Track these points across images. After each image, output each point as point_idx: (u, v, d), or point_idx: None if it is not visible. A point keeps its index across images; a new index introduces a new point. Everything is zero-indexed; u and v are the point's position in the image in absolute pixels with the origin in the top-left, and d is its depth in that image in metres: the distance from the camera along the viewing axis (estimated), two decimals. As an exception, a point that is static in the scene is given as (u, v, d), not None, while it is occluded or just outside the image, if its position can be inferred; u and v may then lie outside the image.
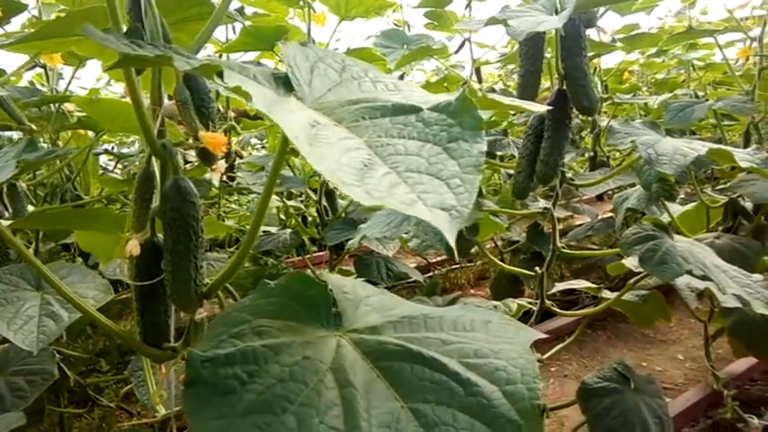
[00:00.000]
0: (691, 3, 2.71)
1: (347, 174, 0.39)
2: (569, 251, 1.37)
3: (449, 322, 0.64)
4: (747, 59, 1.93)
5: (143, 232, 0.73)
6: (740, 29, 1.84)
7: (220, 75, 0.42)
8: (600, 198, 3.93)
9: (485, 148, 0.43)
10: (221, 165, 0.77)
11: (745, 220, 1.87)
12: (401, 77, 3.47)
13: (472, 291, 3.41)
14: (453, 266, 3.56)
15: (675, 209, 2.22)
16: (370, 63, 2.00)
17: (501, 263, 1.52)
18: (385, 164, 0.42)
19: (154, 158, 0.73)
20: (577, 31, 1.11)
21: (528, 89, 1.17)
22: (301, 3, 1.94)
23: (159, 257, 0.74)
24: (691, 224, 2.16)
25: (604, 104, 2.93)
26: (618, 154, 3.99)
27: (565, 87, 1.17)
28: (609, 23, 2.84)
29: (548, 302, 1.38)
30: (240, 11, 1.73)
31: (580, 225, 3.57)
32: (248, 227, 0.84)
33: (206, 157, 0.74)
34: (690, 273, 1.05)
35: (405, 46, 2.56)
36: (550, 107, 1.18)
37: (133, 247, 0.70)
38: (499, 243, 3.09)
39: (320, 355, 0.57)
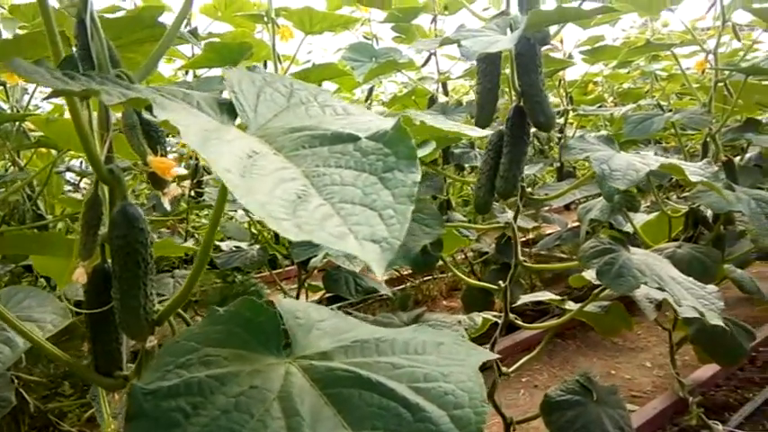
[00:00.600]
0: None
1: (278, 207, 0.38)
2: (531, 265, 1.38)
3: (401, 345, 0.64)
4: (704, 72, 1.98)
5: (91, 260, 0.72)
6: (696, 42, 1.89)
7: (150, 108, 0.42)
8: (567, 207, 3.99)
9: (419, 177, 0.43)
10: (173, 188, 0.76)
11: (706, 229, 1.91)
12: (371, 90, 3.49)
13: (444, 302, 3.42)
14: (426, 278, 3.57)
15: (640, 218, 2.27)
16: (336, 78, 1.99)
17: (466, 277, 1.53)
18: (320, 195, 0.42)
19: (102, 184, 0.72)
20: (532, 50, 1.12)
21: (486, 106, 1.19)
22: (266, 19, 1.93)
23: (110, 284, 0.73)
24: (654, 233, 2.21)
25: (570, 115, 2.98)
26: (587, 163, 4.06)
27: (522, 104, 1.18)
28: (573, 36, 2.90)
29: (512, 316, 1.38)
30: (194, 32, 1.72)
31: (550, 234, 3.62)
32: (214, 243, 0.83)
33: (156, 182, 0.73)
34: (646, 285, 1.07)
35: (373, 59, 2.57)
36: (506, 125, 1.20)
37: (79, 275, 0.68)
38: (469, 254, 3.11)
39: (268, 384, 0.56)
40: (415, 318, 1.32)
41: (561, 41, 2.96)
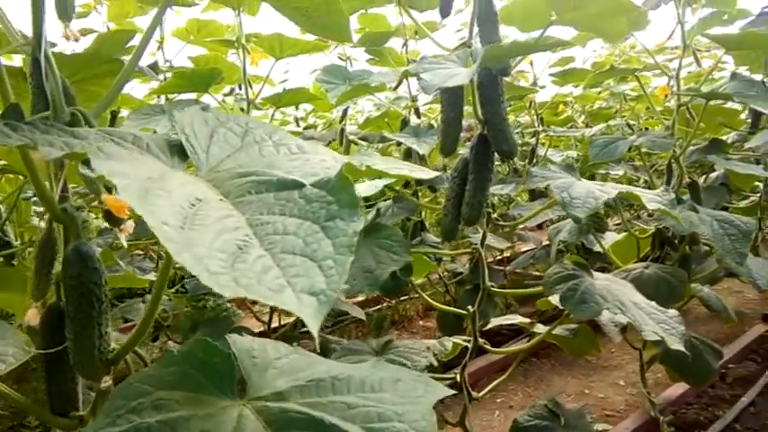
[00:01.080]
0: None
1: (217, 261, 0.39)
2: (498, 290, 1.39)
3: (357, 383, 0.64)
4: (666, 96, 2.03)
5: (45, 300, 0.71)
6: (658, 67, 1.94)
7: (87, 162, 0.42)
8: (540, 227, 4.03)
9: (360, 226, 0.43)
10: (129, 225, 0.76)
11: (672, 250, 1.95)
12: (345, 111, 3.50)
13: (421, 322, 3.42)
14: (402, 298, 3.57)
15: (610, 237, 2.30)
16: (308, 101, 2.00)
17: (437, 300, 1.53)
18: (261, 245, 0.42)
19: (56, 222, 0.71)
20: (494, 80, 1.15)
21: (450, 135, 1.20)
22: (236, 45, 1.94)
23: (64, 323, 0.72)
24: (623, 253, 2.24)
25: (541, 136, 3.02)
26: (559, 182, 4.11)
27: (486, 132, 1.20)
28: (544, 57, 2.95)
29: (481, 340, 1.39)
30: (154, 66, 1.71)
31: (526, 251, 3.65)
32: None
33: (111, 220, 0.73)
34: (609, 310, 1.08)
35: (347, 82, 2.59)
36: (472, 152, 1.22)
37: (32, 316, 0.68)
38: (445, 274, 3.12)
39: (220, 429, 0.56)
40: (385, 344, 1.32)
41: (531, 63, 3.02)
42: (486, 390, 1.58)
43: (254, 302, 2.93)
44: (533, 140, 3.02)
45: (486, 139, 1.20)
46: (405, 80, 2.59)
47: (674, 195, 1.13)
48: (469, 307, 1.40)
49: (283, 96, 1.92)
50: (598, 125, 3.21)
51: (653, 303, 1.18)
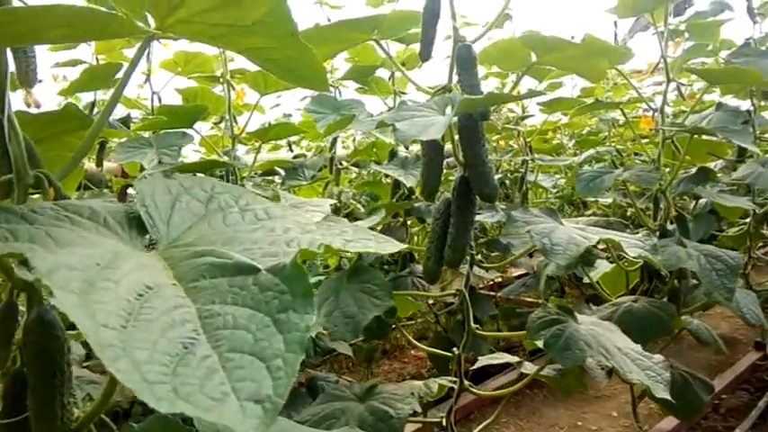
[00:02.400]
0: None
1: (158, 366, 0.37)
2: (484, 332, 1.37)
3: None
4: (651, 129, 2.03)
5: (7, 368, 0.69)
6: (643, 100, 1.95)
7: (25, 262, 0.40)
8: (531, 255, 4.01)
9: (314, 319, 0.42)
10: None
11: (660, 283, 1.93)
12: (334, 141, 3.50)
13: (413, 351, 3.38)
14: (393, 326, 3.53)
15: (603, 265, 2.29)
16: (295, 134, 1.99)
17: (417, 342, 1.51)
18: (209, 342, 0.40)
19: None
20: (474, 124, 1.14)
21: (431, 178, 1.19)
22: (221, 80, 1.94)
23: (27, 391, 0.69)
24: (613, 283, 2.23)
25: (530, 165, 3.03)
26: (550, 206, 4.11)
27: (467, 174, 1.19)
28: (532, 83, 2.96)
29: (467, 382, 1.37)
30: (125, 120, 1.71)
31: (518, 276, 3.63)
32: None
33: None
34: (593, 358, 1.06)
35: (336, 111, 2.59)
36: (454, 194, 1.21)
37: (-10, 387, 0.65)
38: (434, 305, 3.10)
39: None
40: (369, 390, 1.30)
41: (518, 92, 3.04)
42: (478, 429, 1.55)
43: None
44: (523, 168, 3.02)
45: (468, 180, 1.19)
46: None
47: (655, 241, 1.12)
48: (455, 349, 1.38)
49: (269, 131, 1.91)
50: (587, 151, 3.22)
51: (638, 348, 1.16)
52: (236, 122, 1.95)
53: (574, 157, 3.32)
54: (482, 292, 3.69)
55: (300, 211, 0.66)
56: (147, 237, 0.57)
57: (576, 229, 1.12)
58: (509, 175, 3.64)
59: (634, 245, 1.08)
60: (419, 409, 1.25)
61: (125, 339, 0.38)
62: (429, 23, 1.20)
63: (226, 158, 1.81)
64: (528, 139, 3.00)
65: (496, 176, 3.60)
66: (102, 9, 0.53)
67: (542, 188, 3.86)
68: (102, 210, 0.56)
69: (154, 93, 2.42)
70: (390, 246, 0.56)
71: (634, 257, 1.06)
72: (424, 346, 1.50)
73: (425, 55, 1.23)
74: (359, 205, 4.75)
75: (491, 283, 3.82)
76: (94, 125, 0.78)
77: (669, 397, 1.06)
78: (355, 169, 3.97)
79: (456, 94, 1.06)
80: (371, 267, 1.42)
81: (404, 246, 0.56)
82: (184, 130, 2.04)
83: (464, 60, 1.16)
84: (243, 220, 0.62)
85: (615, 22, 3.06)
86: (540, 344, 1.21)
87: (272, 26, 0.83)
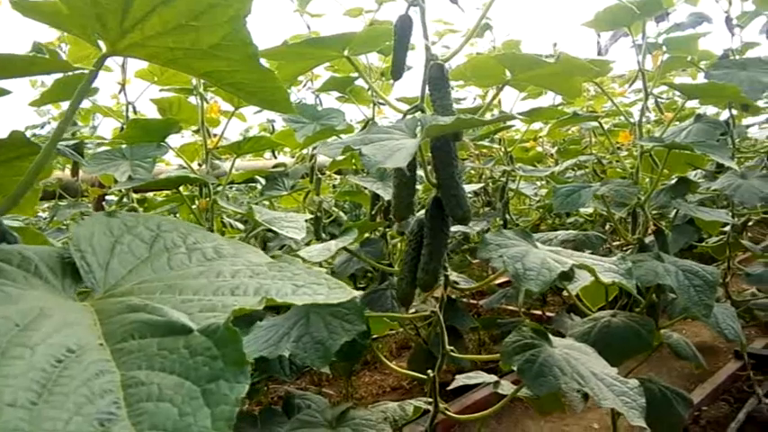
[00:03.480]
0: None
1: (66, 451, 0.34)
2: (458, 355, 1.34)
3: None
4: (630, 142, 2.02)
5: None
6: (621, 113, 1.93)
7: None
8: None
9: (245, 388, 0.39)
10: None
11: (639, 296, 1.92)
12: (314, 149, 3.47)
13: (394, 362, 3.34)
14: (374, 336, 3.50)
15: (585, 277, 2.27)
16: (271, 147, 1.95)
17: (391, 365, 1.48)
18: (129, 418, 0.37)
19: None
20: (447, 145, 1.12)
21: (403, 199, 1.16)
22: (195, 93, 1.90)
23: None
24: (593, 296, 2.21)
25: (511, 175, 3.01)
26: (532, 214, 4.11)
27: (440, 196, 1.16)
28: (513, 92, 2.94)
29: (442, 406, 1.34)
30: (79, 146, 1.67)
31: (500, 284, 3.61)
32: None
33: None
34: (567, 385, 1.04)
35: (315, 121, 2.56)
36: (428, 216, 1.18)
37: None
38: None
39: None
40: (341, 415, 1.27)
41: (499, 102, 3.03)
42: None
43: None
44: (504, 179, 3.01)
45: (441, 202, 1.17)
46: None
47: (629, 265, 1.10)
48: (429, 371, 1.35)
49: (244, 144, 1.87)
50: (568, 161, 3.22)
51: (613, 372, 1.14)
52: (210, 135, 1.91)
53: (556, 166, 3.32)
54: (464, 300, 3.68)
55: (251, 249, 0.63)
56: (84, 284, 0.53)
57: (550, 252, 1.10)
58: (491, 183, 3.63)
59: (608, 269, 1.06)
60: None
61: (34, 419, 0.35)
62: (400, 43, 1.18)
63: (195, 173, 1.77)
64: (509, 149, 2.99)
65: (479, 185, 3.60)
66: (21, 54, 0.49)
67: (525, 195, 3.86)
68: (34, 256, 0.52)
69: (129, 103, 2.38)
70: (342, 294, 0.52)
71: (607, 283, 1.04)
72: (396, 367, 1.46)
73: (396, 75, 1.21)
74: (341, 213, 4.73)
75: (474, 290, 3.81)
76: (40, 156, 0.74)
77: (644, 424, 1.04)
78: (338, 176, 3.94)
79: (425, 116, 1.03)
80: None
81: (356, 293, 0.53)
82: (163, 141, 2.00)
83: (436, 79, 1.13)
84: (190, 261, 0.58)
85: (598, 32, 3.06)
86: (514, 368, 1.19)
87: (231, 50, 0.80)
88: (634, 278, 1.08)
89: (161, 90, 2.05)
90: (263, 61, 0.83)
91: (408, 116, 1.12)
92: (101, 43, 0.77)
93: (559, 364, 1.08)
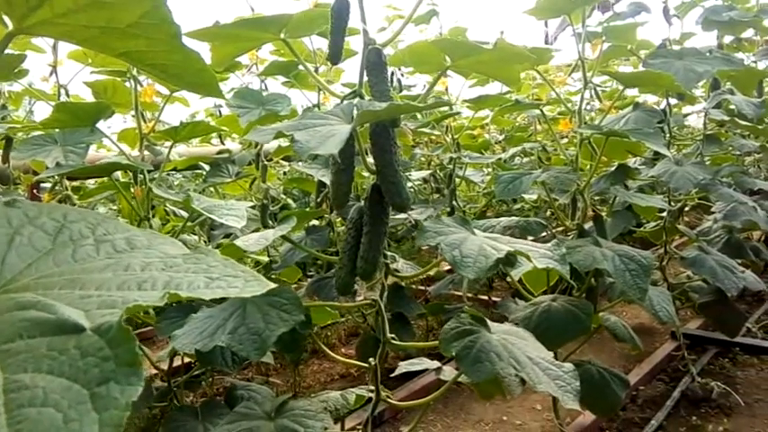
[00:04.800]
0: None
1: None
2: (398, 342, 1.34)
3: None
4: (569, 131, 2.06)
5: None
6: (561, 102, 1.96)
7: None
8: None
9: (138, 390, 0.36)
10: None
11: (578, 281, 1.96)
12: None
13: (343, 350, 3.34)
14: (323, 325, 3.48)
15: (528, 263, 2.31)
16: (210, 133, 1.89)
17: (333, 354, 1.47)
18: (7, 426, 0.34)
19: None
20: (386, 132, 1.10)
21: (341, 186, 1.14)
22: (128, 76, 1.83)
23: None
24: (535, 280, 2.25)
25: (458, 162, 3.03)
26: (480, 202, 4.16)
27: (380, 183, 1.15)
28: (460, 79, 2.95)
29: (384, 394, 1.33)
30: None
31: (450, 269, 3.64)
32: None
33: None
34: (503, 371, 1.05)
35: (260, 106, 2.50)
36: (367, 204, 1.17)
37: None
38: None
39: None
40: (280, 406, 1.24)
41: (446, 88, 3.03)
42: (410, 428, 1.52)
43: (145, 339, 2.78)
44: (451, 165, 3.02)
45: (380, 189, 1.15)
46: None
47: (564, 250, 1.11)
48: (371, 359, 1.34)
49: (181, 130, 1.81)
50: (514, 148, 3.26)
51: (549, 356, 1.16)
52: (145, 120, 1.83)
53: (503, 153, 3.36)
54: (413, 287, 3.70)
55: (168, 240, 0.60)
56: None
57: (488, 239, 1.10)
58: (438, 170, 3.65)
59: (543, 255, 1.07)
60: (332, 426, 1.20)
61: None
62: (337, 25, 1.15)
63: (129, 159, 1.69)
64: (456, 136, 3.00)
65: (427, 172, 3.60)
66: None
67: (473, 182, 3.90)
68: None
69: (61, 86, 2.27)
70: (258, 286, 0.50)
71: (542, 268, 1.05)
72: (337, 356, 1.45)
73: (334, 59, 1.18)
74: (290, 200, 4.66)
75: (423, 276, 3.84)
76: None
77: (578, 407, 1.06)
78: (286, 164, 3.88)
79: (361, 102, 1.01)
80: (279, 279, 1.36)
81: (270, 284, 0.51)
82: (94, 126, 1.91)
83: (374, 64, 1.11)
84: (97, 254, 0.55)
85: (545, 21, 3.09)
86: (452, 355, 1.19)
87: (150, 29, 0.76)
88: (568, 264, 1.10)
89: (92, 72, 1.96)
90: (194, 43, 0.79)
91: (346, 102, 1.10)
92: (7, 20, 0.71)
93: (496, 349, 1.09)
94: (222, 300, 1.28)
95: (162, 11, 0.74)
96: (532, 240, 2.51)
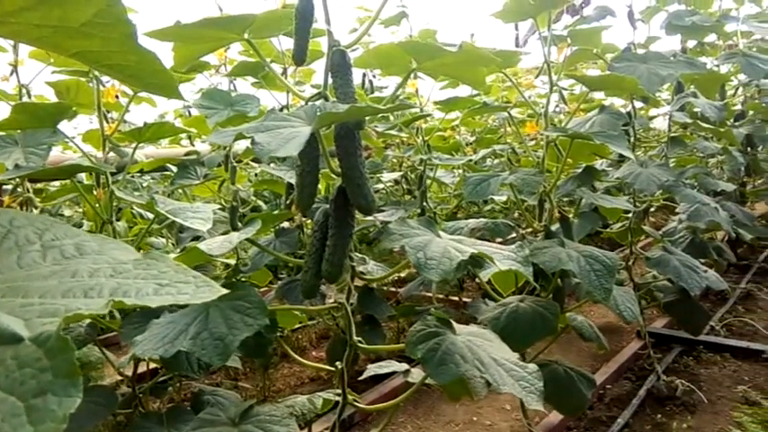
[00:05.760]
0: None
1: None
2: (365, 346, 1.33)
3: None
4: (536, 134, 2.08)
5: None
6: (528, 105, 1.98)
7: None
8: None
9: (76, 402, 0.35)
10: None
11: (546, 282, 1.99)
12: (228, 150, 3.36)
13: (314, 352, 3.32)
14: (296, 326, 3.46)
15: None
16: (174, 134, 1.86)
17: (299, 358, 1.45)
18: (-65, 442, 0.33)
19: None
20: (351, 134, 1.09)
21: (306, 189, 1.13)
22: (91, 75, 1.79)
23: None
24: (504, 281, 2.27)
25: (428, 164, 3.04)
26: (450, 206, 4.18)
27: (345, 185, 1.14)
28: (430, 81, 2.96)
29: (350, 397, 1.33)
30: None
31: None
32: None
33: None
34: (467, 373, 1.05)
35: (228, 107, 2.47)
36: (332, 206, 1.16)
37: None
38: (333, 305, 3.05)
39: None
40: (245, 412, 1.23)
41: (417, 90, 3.04)
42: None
43: (111, 344, 2.72)
44: (421, 167, 3.03)
45: (346, 192, 1.15)
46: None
47: (527, 252, 1.12)
48: (338, 363, 1.33)
49: (145, 131, 1.78)
50: (484, 150, 3.29)
51: (514, 357, 1.17)
52: (108, 120, 1.80)
53: (474, 154, 3.38)
54: (384, 289, 3.70)
55: (120, 245, 0.58)
56: None
57: (453, 241, 1.10)
58: (410, 172, 3.65)
59: (507, 257, 1.08)
60: (298, 431, 1.19)
61: None
62: (302, 26, 1.14)
63: (91, 161, 1.66)
64: (426, 138, 3.00)
65: (399, 174, 3.60)
66: None
67: (444, 184, 3.92)
68: None
69: (22, 86, 2.21)
70: (209, 292, 0.49)
71: (504, 268, 1.05)
72: (303, 360, 1.44)
73: (299, 59, 1.17)
74: (260, 202, 4.61)
75: (395, 278, 3.83)
76: None
77: (542, 408, 1.07)
78: (257, 165, 3.84)
79: (325, 104, 1.01)
80: (245, 283, 1.35)
81: (222, 290, 0.50)
82: (56, 127, 1.87)
83: (338, 66, 1.11)
84: (43, 260, 0.53)
85: (516, 24, 3.12)
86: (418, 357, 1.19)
87: (105, 29, 0.74)
88: (531, 265, 1.11)
89: (53, 72, 1.92)
90: (157, 44, 0.78)
91: (310, 103, 1.09)
92: (-47, 18, 0.69)
93: (461, 351, 1.09)
94: (186, 305, 1.26)
95: (116, 10, 0.72)
96: (500, 242, 2.54)
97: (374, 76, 4.75)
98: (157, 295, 0.48)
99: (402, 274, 3.98)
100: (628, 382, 2.72)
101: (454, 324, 1.20)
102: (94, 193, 1.74)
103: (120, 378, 2.05)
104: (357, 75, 4.64)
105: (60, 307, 0.43)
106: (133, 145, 1.98)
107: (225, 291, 0.51)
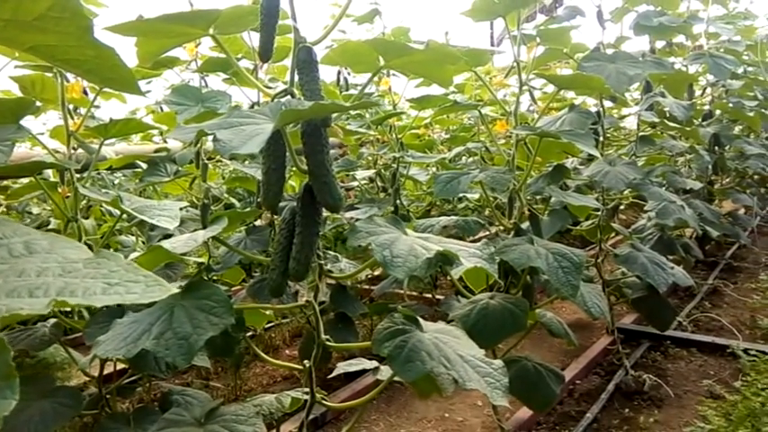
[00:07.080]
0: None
1: None
2: (333, 344, 1.33)
3: None
4: (506, 132, 2.10)
5: None
6: (498, 103, 2.00)
7: None
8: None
9: (13, 405, 0.34)
10: None
11: (515, 279, 2.00)
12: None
13: (288, 351, 3.31)
14: (269, 324, 3.44)
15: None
16: (142, 131, 1.83)
17: (267, 358, 1.45)
18: None
19: None
20: (317, 131, 1.09)
21: (272, 187, 1.12)
22: (55, 70, 1.75)
23: None
24: (475, 278, 2.29)
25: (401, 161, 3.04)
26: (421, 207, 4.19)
27: (312, 183, 1.14)
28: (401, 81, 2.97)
29: (319, 395, 1.32)
30: None
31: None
32: None
33: None
34: (433, 370, 1.06)
35: (199, 103, 2.44)
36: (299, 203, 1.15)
37: None
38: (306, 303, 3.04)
39: None
40: (210, 412, 1.22)
41: (389, 87, 3.04)
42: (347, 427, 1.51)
43: (80, 344, 2.67)
44: (395, 165, 3.03)
45: (312, 190, 1.14)
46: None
47: (493, 249, 1.13)
48: (306, 362, 1.33)
49: (111, 128, 1.74)
50: (458, 147, 3.30)
51: (480, 354, 1.17)
52: (72, 116, 1.76)
53: (447, 152, 3.39)
54: (358, 287, 3.69)
55: (73, 244, 0.57)
56: None
57: (419, 239, 1.11)
58: (384, 170, 3.65)
59: (472, 255, 1.09)
60: (265, 430, 1.19)
61: None
62: (267, 22, 1.13)
63: (54, 158, 1.63)
64: (399, 135, 3.01)
65: (371, 171, 3.60)
66: None
67: (418, 182, 3.93)
68: None
69: (-16, 80, 2.15)
70: (159, 291, 0.49)
71: (470, 266, 1.06)
72: (271, 359, 1.43)
73: (264, 56, 1.16)
74: (233, 199, 4.57)
75: (369, 276, 3.83)
76: None
77: (506, 403, 1.08)
78: (230, 162, 3.80)
79: (290, 101, 1.00)
80: (209, 282, 1.34)
81: (174, 290, 0.49)
82: (19, 122, 1.82)
83: (304, 63, 1.10)
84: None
85: (491, 22, 3.13)
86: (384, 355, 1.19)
87: (60, 23, 0.73)
88: (496, 262, 1.12)
89: (17, 67, 1.87)
90: (119, 39, 0.76)
91: (276, 100, 1.08)
92: None
93: (428, 348, 1.10)
94: (151, 303, 1.24)
95: (72, 3, 0.71)
96: (472, 240, 2.55)
97: (349, 74, 4.74)
98: (105, 294, 0.47)
99: (377, 273, 3.99)
100: (597, 377, 2.76)
101: (422, 321, 1.20)
102: (59, 190, 1.71)
103: (87, 379, 2.01)
104: (332, 72, 4.63)
105: (2, 307, 0.42)
106: (94, 141, 1.94)
107: (176, 290, 0.50)
